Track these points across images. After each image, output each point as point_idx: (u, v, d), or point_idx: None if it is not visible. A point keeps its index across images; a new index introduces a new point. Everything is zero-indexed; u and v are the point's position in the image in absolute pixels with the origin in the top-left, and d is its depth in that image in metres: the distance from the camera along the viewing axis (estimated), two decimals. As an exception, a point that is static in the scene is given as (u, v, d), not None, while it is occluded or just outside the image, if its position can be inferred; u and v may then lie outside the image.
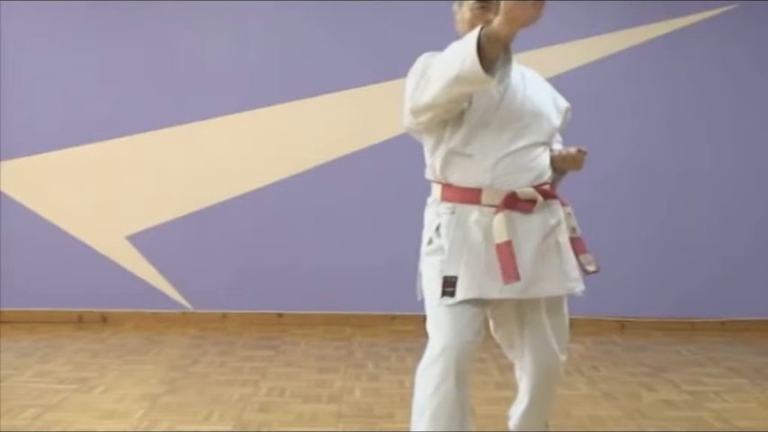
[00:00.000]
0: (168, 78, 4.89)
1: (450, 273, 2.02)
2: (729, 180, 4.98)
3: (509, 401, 3.31)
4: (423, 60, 2.01)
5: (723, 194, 4.98)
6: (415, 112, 2.00)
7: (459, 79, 1.80)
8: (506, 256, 1.98)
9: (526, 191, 2.05)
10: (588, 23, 4.93)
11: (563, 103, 2.27)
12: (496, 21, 1.69)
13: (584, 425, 3.04)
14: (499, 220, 2.01)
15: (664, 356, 4.25)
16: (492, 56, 1.76)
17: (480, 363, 3.83)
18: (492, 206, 2.03)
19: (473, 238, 2.03)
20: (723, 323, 4.97)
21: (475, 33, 1.75)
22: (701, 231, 4.97)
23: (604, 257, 4.89)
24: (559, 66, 4.84)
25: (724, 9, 4.94)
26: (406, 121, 2.09)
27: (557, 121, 2.21)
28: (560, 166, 2.23)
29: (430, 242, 2.09)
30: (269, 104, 4.91)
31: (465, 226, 2.04)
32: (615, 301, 4.92)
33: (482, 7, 2.06)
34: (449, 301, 2.00)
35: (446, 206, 2.08)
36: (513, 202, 2.03)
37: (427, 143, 2.13)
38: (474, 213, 2.04)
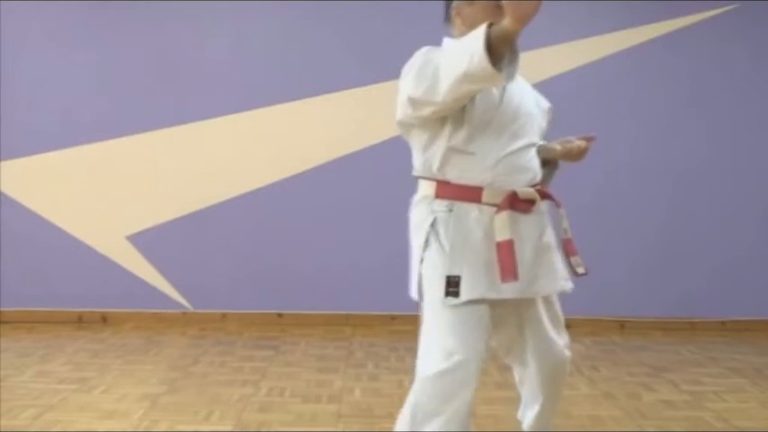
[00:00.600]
0: (168, 78, 4.89)
1: (454, 272, 1.99)
2: (729, 180, 4.98)
3: (509, 401, 3.31)
4: (423, 54, 1.98)
5: (723, 194, 4.98)
6: (417, 105, 1.97)
7: (466, 77, 1.79)
8: (506, 254, 1.97)
9: (527, 191, 2.06)
10: (588, 23, 4.93)
11: (545, 104, 2.28)
12: (506, 20, 1.70)
13: (584, 425, 3.04)
14: (502, 218, 2.00)
15: (664, 356, 4.25)
16: (501, 54, 1.76)
17: (480, 363, 3.83)
18: (492, 205, 2.02)
19: (474, 237, 2.02)
20: (723, 323, 4.97)
21: (481, 31, 1.74)
22: (701, 231, 4.97)
23: (604, 257, 4.94)
24: (559, 66, 4.84)
25: (724, 9, 4.94)
26: (400, 114, 2.06)
27: (543, 121, 2.23)
28: (565, 158, 2.22)
29: (427, 241, 2.05)
30: (269, 104, 4.91)
31: (465, 224, 2.02)
32: (615, 301, 4.92)
33: (498, 6, 2.05)
34: (452, 301, 1.98)
35: (443, 203, 2.05)
36: (514, 202, 2.03)
37: (419, 138, 2.08)
38: (474, 212, 2.03)
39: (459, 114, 2.00)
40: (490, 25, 1.75)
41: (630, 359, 4.18)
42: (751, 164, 4.99)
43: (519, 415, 2.40)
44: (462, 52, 1.80)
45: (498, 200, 2.02)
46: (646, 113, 4.96)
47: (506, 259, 1.97)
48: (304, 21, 4.89)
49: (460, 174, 2.04)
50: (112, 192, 4.89)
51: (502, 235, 1.99)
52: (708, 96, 4.97)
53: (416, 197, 2.14)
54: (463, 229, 2.02)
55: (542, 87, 4.89)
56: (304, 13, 4.88)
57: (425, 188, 2.11)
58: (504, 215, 2.01)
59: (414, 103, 1.97)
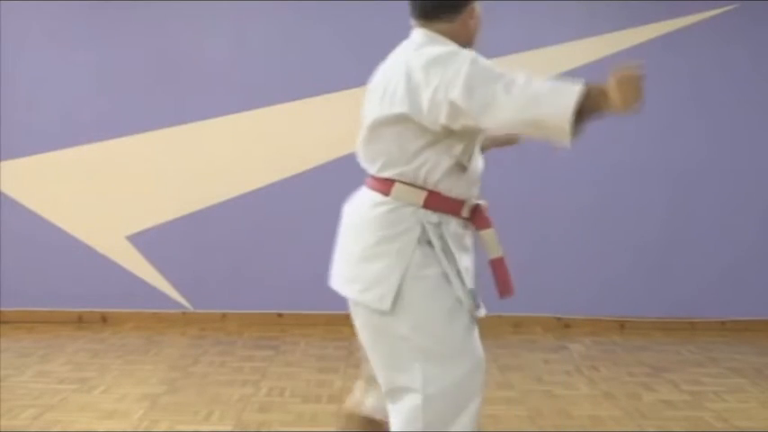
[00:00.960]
0: (168, 78, 4.88)
1: (469, 285, 1.96)
2: (729, 180, 4.98)
3: (509, 401, 3.32)
4: (470, 63, 1.82)
5: (723, 194, 4.98)
6: (455, 115, 1.82)
7: (536, 124, 1.74)
8: (504, 270, 2.01)
9: (485, 204, 2.07)
10: (588, 23, 4.92)
11: None
12: (611, 98, 1.68)
13: (585, 425, 3.04)
14: (491, 234, 2.01)
15: (664, 356, 4.25)
16: (581, 119, 1.73)
17: (480, 363, 3.82)
18: (465, 219, 2.02)
19: (463, 250, 2.00)
20: (723, 323, 4.96)
21: (575, 91, 1.70)
22: (701, 231, 4.97)
23: (605, 257, 4.94)
24: (559, 66, 4.84)
25: (724, 9, 4.93)
26: (408, 109, 1.90)
27: None
28: (503, 143, 2.29)
29: (413, 251, 1.94)
30: (269, 104, 4.91)
31: (453, 237, 1.98)
32: (615, 301, 4.92)
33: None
34: (478, 313, 1.96)
35: (433, 215, 1.96)
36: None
37: (412, 142, 1.94)
38: (452, 225, 1.99)
39: (472, 131, 1.94)
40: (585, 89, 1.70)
41: (630, 359, 4.18)
42: (751, 164, 4.99)
43: (368, 401, 2.26)
44: (539, 99, 1.73)
45: (467, 214, 2.02)
46: (646, 113, 4.92)
47: (505, 275, 2.00)
48: (304, 21, 4.89)
49: (451, 187, 1.97)
50: (112, 192, 4.89)
51: (495, 251, 2.01)
52: (708, 96, 4.97)
53: (390, 200, 1.97)
54: (456, 242, 1.98)
55: (542, 87, 4.88)
56: (304, 13, 4.88)
57: (408, 195, 1.96)
58: (492, 231, 2.02)
59: (454, 110, 1.82)
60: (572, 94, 1.69)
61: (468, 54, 1.86)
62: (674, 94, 4.95)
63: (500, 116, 1.77)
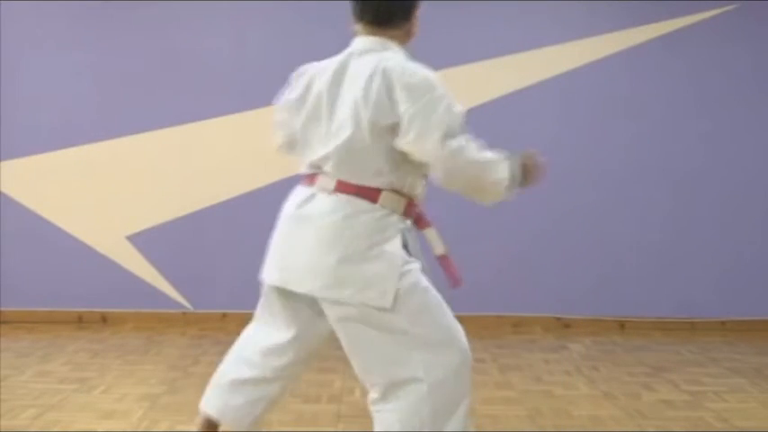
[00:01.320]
0: (168, 78, 4.89)
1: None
2: (729, 180, 4.98)
3: (509, 401, 3.32)
4: (447, 117, 1.96)
5: (723, 194, 4.98)
6: (412, 153, 2.01)
7: (477, 187, 2.03)
8: (452, 263, 2.12)
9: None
10: (587, 24, 4.92)
11: None
12: (526, 179, 2.08)
13: (585, 425, 3.04)
14: (434, 232, 2.14)
15: (664, 356, 4.25)
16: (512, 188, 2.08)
17: (480, 363, 3.82)
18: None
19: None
20: (723, 323, 4.97)
21: (504, 167, 2.03)
22: (701, 231, 4.97)
23: (604, 257, 4.92)
24: (559, 66, 4.84)
25: (724, 9, 4.94)
26: (398, 114, 1.99)
27: None
28: None
29: (403, 252, 2.05)
30: (269, 104, 4.89)
31: (414, 240, 2.12)
32: (615, 301, 4.92)
33: None
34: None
35: (407, 221, 2.11)
36: None
37: (398, 155, 2.02)
38: (413, 228, 2.14)
39: None
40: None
41: (630, 359, 4.18)
42: (751, 164, 4.99)
43: (253, 395, 2.43)
44: (494, 173, 2.00)
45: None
46: (645, 114, 4.96)
47: (454, 268, 2.12)
48: (304, 21, 4.89)
49: (419, 194, 2.14)
50: (112, 192, 4.89)
51: (441, 248, 2.13)
52: (708, 97, 4.97)
53: (379, 207, 2.04)
54: (417, 244, 2.13)
55: (542, 88, 4.90)
56: (304, 13, 4.88)
57: (394, 202, 2.06)
58: (433, 228, 2.15)
59: (416, 149, 1.98)
60: (504, 169, 2.01)
61: (443, 94, 1.97)
62: (674, 94, 4.95)
63: (461, 175, 1.98)
